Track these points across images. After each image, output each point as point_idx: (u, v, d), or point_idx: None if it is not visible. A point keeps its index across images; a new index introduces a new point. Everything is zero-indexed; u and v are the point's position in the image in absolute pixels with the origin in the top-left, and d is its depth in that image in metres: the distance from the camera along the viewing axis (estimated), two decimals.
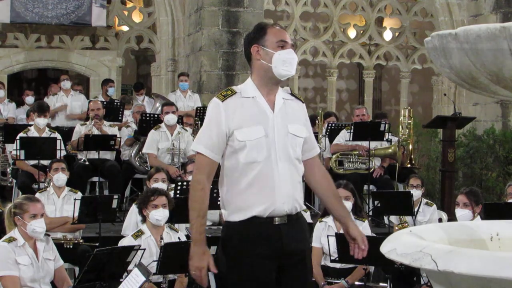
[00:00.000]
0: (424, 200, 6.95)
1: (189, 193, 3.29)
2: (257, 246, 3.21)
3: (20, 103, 10.92)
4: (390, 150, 8.35)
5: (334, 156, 8.39)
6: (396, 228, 6.46)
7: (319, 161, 3.65)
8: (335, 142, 8.51)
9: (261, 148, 3.22)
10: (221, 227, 6.00)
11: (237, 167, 3.24)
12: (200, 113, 9.38)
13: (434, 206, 6.96)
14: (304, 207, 3.57)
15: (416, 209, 6.65)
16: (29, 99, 10.44)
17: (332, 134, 8.86)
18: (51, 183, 6.54)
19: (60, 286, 4.86)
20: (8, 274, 4.47)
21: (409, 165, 8.58)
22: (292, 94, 3.43)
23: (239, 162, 3.23)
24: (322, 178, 3.49)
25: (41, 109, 7.96)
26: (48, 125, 8.30)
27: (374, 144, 8.26)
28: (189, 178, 6.68)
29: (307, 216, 5.81)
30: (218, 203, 6.05)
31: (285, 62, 3.26)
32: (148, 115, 8.83)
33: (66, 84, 9.88)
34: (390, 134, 8.48)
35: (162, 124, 8.11)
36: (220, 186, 3.35)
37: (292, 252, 3.29)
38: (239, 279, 3.23)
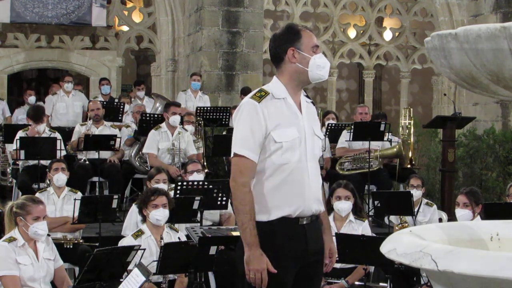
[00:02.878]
0: (425, 200, 6.96)
1: (236, 197, 3.21)
2: (283, 247, 3.20)
3: (20, 103, 10.92)
4: (395, 150, 8.35)
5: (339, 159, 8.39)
6: (396, 228, 6.46)
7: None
8: (340, 145, 8.49)
9: (295, 150, 3.24)
10: (221, 227, 6.03)
11: (268, 168, 3.22)
12: (201, 113, 9.36)
13: (435, 206, 6.97)
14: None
15: (416, 209, 6.65)
16: (32, 99, 10.46)
17: (332, 134, 8.85)
18: (51, 183, 6.54)
19: (60, 286, 4.86)
20: (8, 274, 4.47)
21: (409, 165, 8.57)
22: (307, 96, 3.46)
23: (273, 163, 3.22)
24: None
25: (37, 117, 7.83)
26: (48, 125, 8.29)
27: (377, 144, 8.23)
28: (190, 178, 6.67)
29: None
30: (218, 203, 6.15)
31: (319, 67, 3.29)
32: (148, 115, 8.82)
33: (69, 86, 9.84)
34: (390, 134, 8.47)
35: (163, 124, 8.10)
36: None
37: (313, 252, 3.31)
38: None
